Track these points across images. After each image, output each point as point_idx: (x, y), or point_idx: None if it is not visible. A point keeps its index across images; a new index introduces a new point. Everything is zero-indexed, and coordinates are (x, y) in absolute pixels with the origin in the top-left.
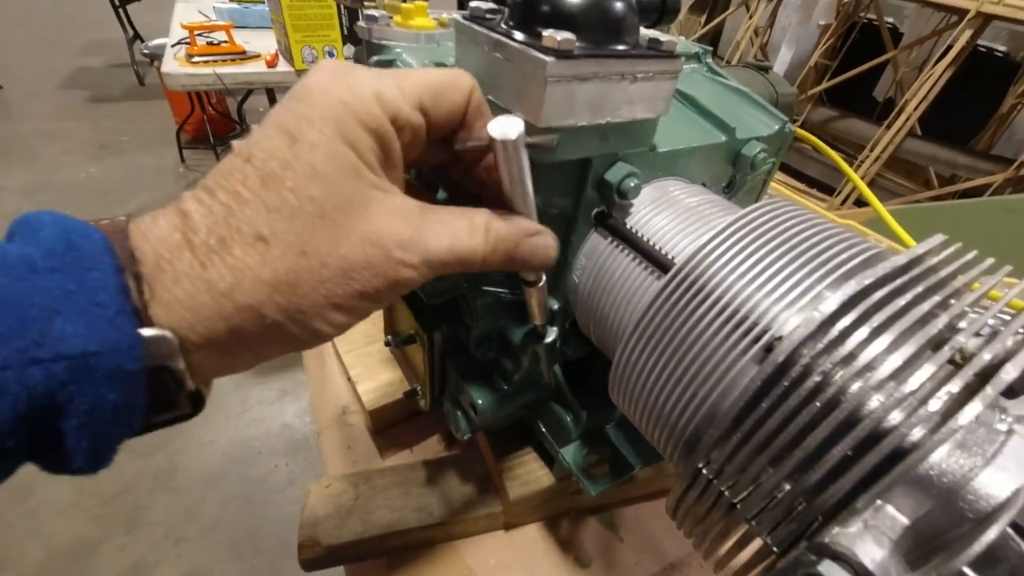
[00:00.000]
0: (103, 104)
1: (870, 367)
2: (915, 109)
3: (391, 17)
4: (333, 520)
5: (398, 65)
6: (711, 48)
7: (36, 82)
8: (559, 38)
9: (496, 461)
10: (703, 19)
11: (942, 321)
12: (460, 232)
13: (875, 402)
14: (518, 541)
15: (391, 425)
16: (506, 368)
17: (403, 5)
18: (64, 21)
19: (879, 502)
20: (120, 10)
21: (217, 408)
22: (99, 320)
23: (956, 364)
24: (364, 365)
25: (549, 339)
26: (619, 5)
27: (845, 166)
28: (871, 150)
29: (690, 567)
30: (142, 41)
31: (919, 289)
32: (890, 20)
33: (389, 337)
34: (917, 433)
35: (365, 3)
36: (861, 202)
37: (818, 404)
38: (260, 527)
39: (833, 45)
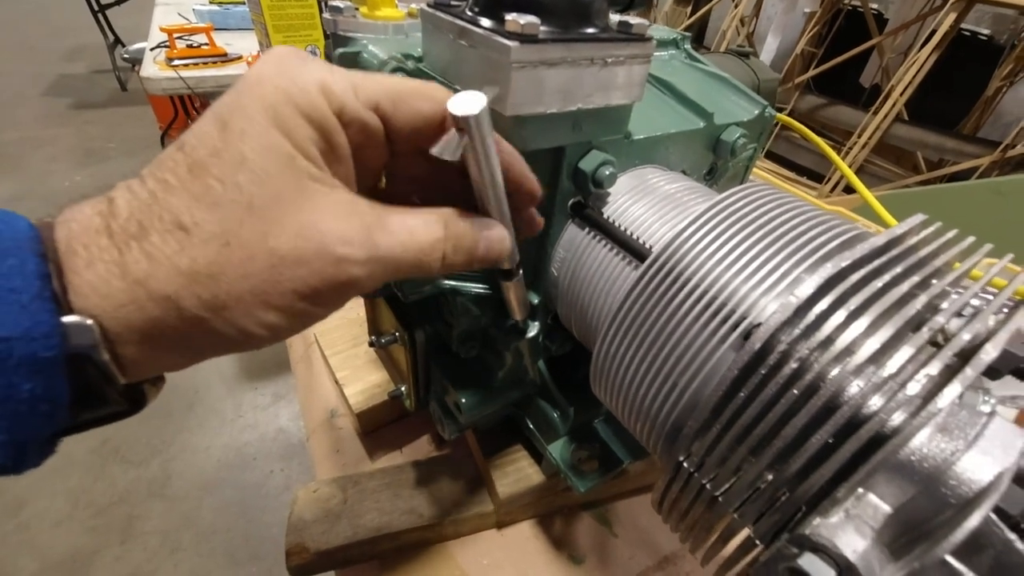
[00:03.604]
0: (87, 110)
1: (848, 351)
2: (901, 94)
3: (357, 8)
4: (321, 525)
5: (364, 57)
6: (690, 34)
7: (18, 89)
8: (523, 22)
9: (485, 460)
10: (689, 10)
11: (921, 302)
12: (417, 228)
13: (854, 387)
14: (510, 540)
15: (380, 427)
16: (490, 365)
17: None
18: (45, 27)
19: (860, 490)
20: (99, 15)
21: (211, 414)
22: (12, 306)
23: (937, 345)
24: (351, 367)
25: (531, 334)
26: None
27: (831, 153)
28: (859, 136)
29: (684, 559)
30: (123, 46)
31: (897, 270)
32: (875, 6)
33: (373, 338)
34: (897, 418)
35: None
36: (850, 189)
37: (796, 392)
38: (257, 533)
39: (819, 32)
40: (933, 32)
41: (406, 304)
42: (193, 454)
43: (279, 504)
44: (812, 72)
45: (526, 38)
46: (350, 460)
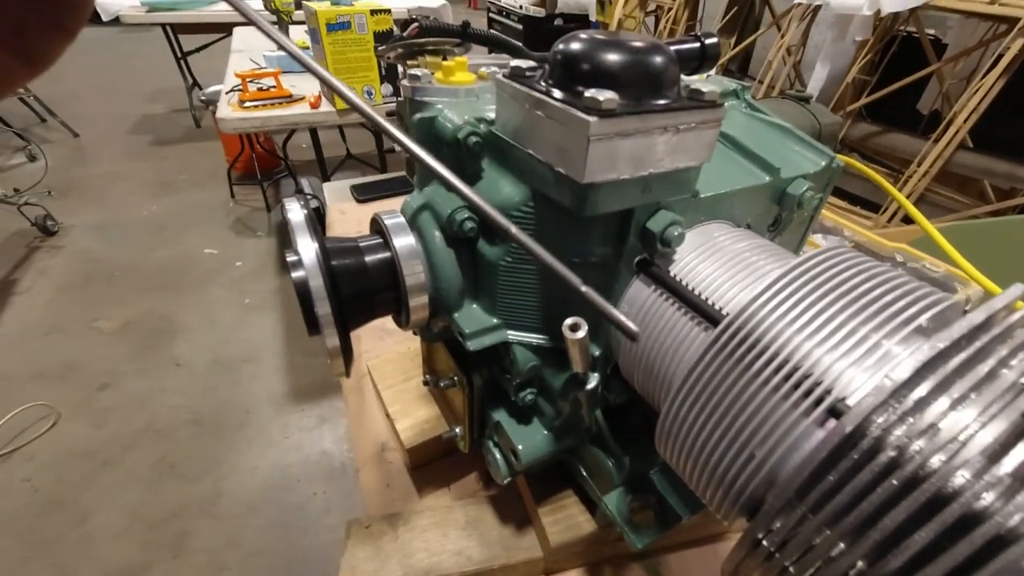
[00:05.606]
0: (164, 146)
1: (956, 441)
2: (964, 121)
3: (432, 74)
4: (373, 563)
5: (439, 121)
6: (750, 86)
7: (107, 128)
8: (602, 98)
9: (536, 504)
10: (733, 40)
11: None
12: None
13: (962, 480)
14: None
15: (429, 462)
16: (546, 413)
17: (444, 63)
18: (132, 72)
19: None
20: (181, 61)
21: (259, 434)
22: None
23: None
24: (402, 401)
25: (591, 385)
26: (659, 60)
27: (889, 187)
28: (919, 165)
29: None
30: (200, 88)
31: (1003, 352)
32: (931, 32)
33: (428, 377)
34: (1017, 518)
35: (408, 62)
36: (909, 219)
37: (895, 482)
38: (299, 555)
39: (871, 60)
40: (999, 57)
41: (464, 349)
42: (241, 473)
43: (319, 527)
44: (865, 100)
45: (604, 113)
46: (399, 495)
